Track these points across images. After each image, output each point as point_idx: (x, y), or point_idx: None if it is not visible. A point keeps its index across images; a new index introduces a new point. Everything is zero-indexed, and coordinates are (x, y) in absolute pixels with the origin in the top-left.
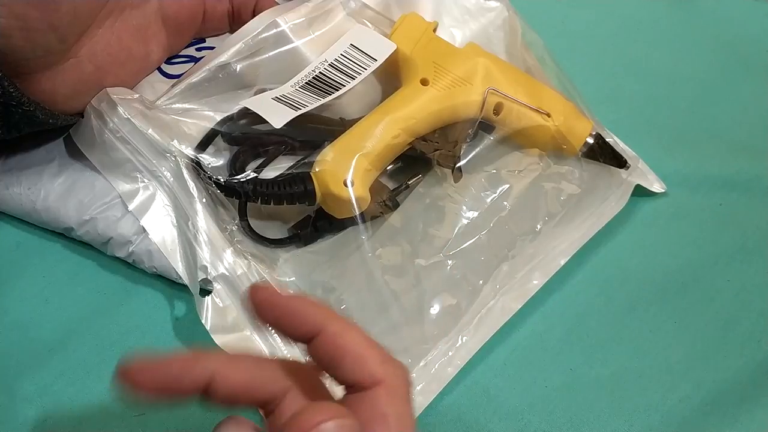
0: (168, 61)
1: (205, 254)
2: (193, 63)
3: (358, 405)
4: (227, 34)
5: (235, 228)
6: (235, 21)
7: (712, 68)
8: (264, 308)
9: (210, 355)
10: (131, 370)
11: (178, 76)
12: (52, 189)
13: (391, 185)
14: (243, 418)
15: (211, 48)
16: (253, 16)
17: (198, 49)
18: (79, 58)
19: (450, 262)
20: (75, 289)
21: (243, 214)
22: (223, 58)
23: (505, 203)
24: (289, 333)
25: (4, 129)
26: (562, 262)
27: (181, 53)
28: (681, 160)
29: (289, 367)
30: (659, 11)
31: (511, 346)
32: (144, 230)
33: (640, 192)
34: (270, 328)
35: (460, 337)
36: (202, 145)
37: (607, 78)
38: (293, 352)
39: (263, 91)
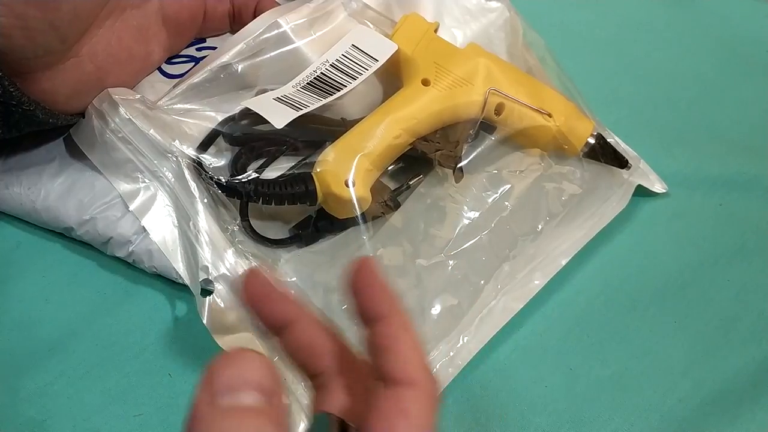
0: (168, 61)
1: (206, 254)
2: (193, 63)
3: (385, 398)
4: (228, 34)
5: (236, 228)
6: (235, 21)
7: (712, 68)
8: (361, 282)
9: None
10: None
11: (178, 76)
12: (52, 189)
13: (392, 185)
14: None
15: (212, 48)
16: (254, 16)
17: (198, 49)
18: (80, 57)
19: (451, 262)
20: (75, 289)
21: (244, 215)
22: (224, 58)
23: (507, 203)
24: (367, 310)
25: (4, 128)
26: (563, 263)
27: (181, 53)
28: (681, 160)
29: (341, 349)
30: (659, 11)
31: (512, 346)
32: (144, 230)
33: (640, 192)
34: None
35: (461, 337)
36: (204, 146)
37: (608, 78)
38: None
39: (265, 91)
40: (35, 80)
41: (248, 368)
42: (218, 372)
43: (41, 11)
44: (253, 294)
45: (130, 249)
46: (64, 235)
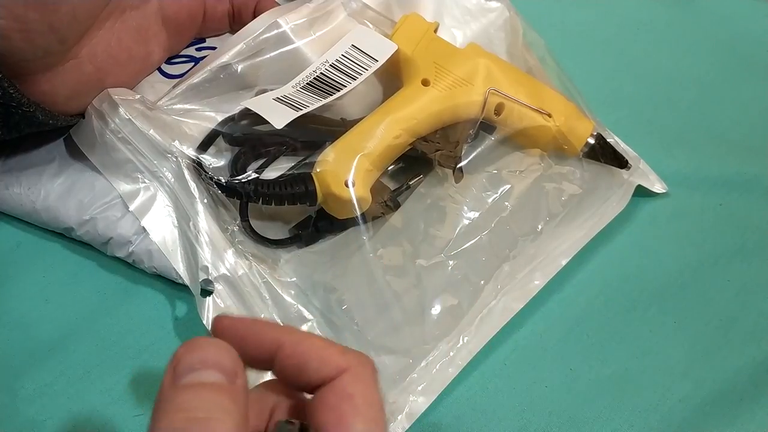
0: (168, 61)
1: (206, 255)
2: (193, 63)
3: (326, 395)
4: (228, 34)
5: (236, 228)
6: (235, 21)
7: (712, 68)
8: (227, 335)
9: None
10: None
11: (178, 76)
12: (52, 189)
13: (392, 185)
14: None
15: (212, 48)
16: (254, 16)
17: (198, 49)
18: (79, 59)
19: (451, 262)
20: (75, 289)
21: (244, 215)
22: (224, 58)
23: (507, 203)
24: (253, 354)
25: (4, 130)
26: (563, 263)
27: (181, 53)
28: (681, 160)
29: (272, 387)
30: (659, 11)
31: (511, 346)
32: (144, 230)
33: (640, 192)
34: None
35: (461, 337)
36: (204, 146)
37: (608, 78)
38: None
39: (264, 91)
40: (35, 82)
41: (209, 351)
42: (181, 356)
43: (40, 13)
44: (230, 338)
45: (130, 249)
46: (64, 235)
